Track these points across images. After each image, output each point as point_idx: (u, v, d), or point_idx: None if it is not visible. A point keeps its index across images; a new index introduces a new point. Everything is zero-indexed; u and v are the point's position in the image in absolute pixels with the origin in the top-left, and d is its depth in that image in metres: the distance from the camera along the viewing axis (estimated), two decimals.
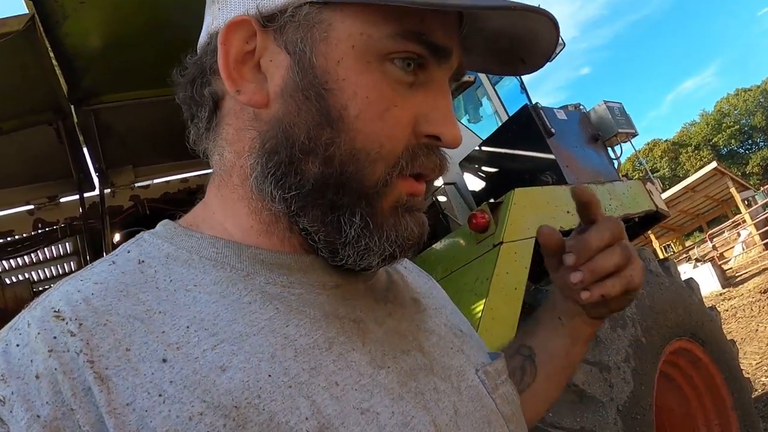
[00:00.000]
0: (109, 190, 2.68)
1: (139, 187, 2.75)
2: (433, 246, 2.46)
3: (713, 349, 2.53)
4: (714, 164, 14.04)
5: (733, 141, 50.78)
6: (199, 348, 0.38)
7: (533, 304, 2.14)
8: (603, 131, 3.74)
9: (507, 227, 2.11)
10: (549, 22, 0.44)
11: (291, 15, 0.43)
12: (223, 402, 0.36)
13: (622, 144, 3.91)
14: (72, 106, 2.20)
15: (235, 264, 0.44)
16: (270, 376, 0.38)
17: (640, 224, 3.31)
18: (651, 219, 3.28)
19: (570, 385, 1.86)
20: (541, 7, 0.43)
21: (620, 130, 3.66)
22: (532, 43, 0.47)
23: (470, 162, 3.34)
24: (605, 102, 3.74)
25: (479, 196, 3.24)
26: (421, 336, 0.50)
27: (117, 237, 2.54)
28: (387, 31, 0.42)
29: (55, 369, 0.35)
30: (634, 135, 3.84)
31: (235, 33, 0.44)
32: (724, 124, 50.64)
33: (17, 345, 0.37)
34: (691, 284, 2.80)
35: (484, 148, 3.26)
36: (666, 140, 54.67)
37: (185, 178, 2.85)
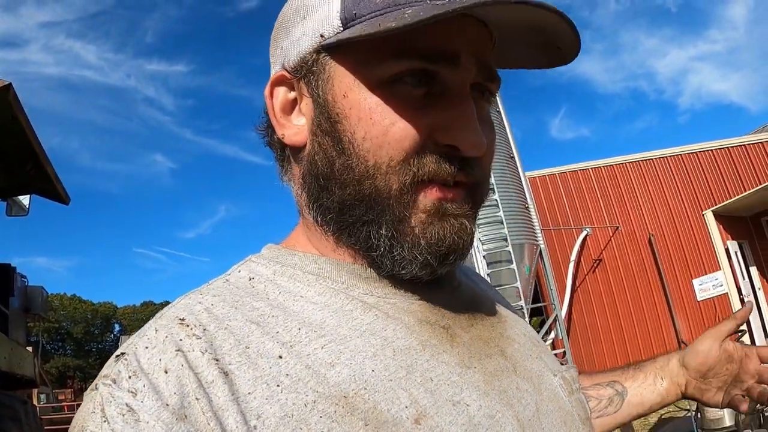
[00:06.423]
0: None
1: None
2: None
3: None
4: None
5: (46, 335, 49.76)
6: (310, 347, 0.45)
7: None
8: (32, 308, 4.76)
9: None
10: (541, 11, 0.44)
11: (310, 64, 0.50)
12: (333, 392, 0.42)
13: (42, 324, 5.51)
14: None
15: (335, 278, 0.51)
16: (373, 371, 0.45)
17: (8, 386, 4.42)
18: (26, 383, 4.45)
19: None
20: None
21: (41, 313, 4.81)
22: (555, 29, 0.47)
23: None
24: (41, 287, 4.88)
25: None
26: (503, 342, 0.55)
27: None
28: (382, 57, 0.46)
29: (182, 365, 0.41)
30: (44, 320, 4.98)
31: (278, 86, 0.53)
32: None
33: (146, 347, 0.43)
34: None
35: None
36: None
37: None
